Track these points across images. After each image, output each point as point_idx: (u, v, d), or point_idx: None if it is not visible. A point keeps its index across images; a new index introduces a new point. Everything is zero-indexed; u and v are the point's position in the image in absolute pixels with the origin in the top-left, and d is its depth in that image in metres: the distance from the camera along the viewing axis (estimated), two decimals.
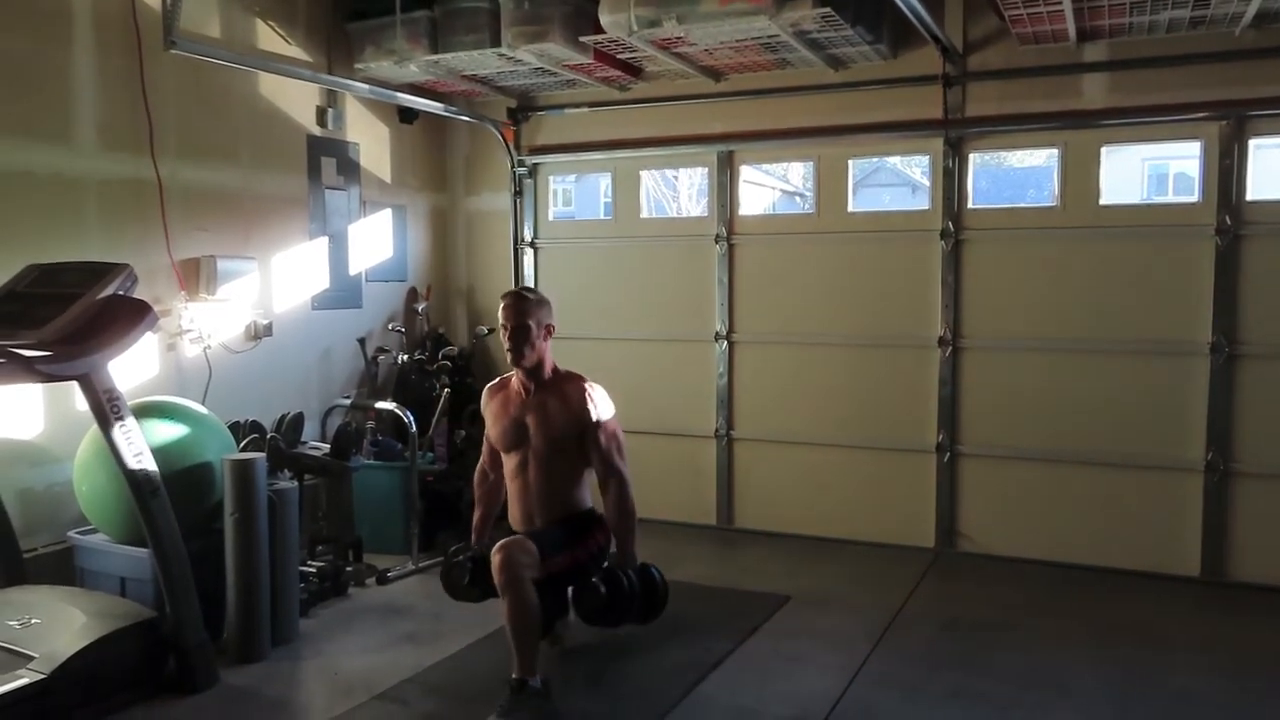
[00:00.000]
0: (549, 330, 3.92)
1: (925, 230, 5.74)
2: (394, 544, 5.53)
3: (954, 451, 5.75)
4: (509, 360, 3.89)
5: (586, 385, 3.97)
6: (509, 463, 4.04)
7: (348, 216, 6.14)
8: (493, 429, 4.06)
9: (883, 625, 4.60)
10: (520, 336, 3.83)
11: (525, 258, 6.82)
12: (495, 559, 3.64)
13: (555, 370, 4.01)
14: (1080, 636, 4.48)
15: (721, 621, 4.64)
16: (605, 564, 4.01)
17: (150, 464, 3.74)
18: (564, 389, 3.95)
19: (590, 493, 4.15)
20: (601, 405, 3.96)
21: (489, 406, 4.09)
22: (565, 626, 4.26)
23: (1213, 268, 5.13)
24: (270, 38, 5.53)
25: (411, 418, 5.41)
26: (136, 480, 3.69)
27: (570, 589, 3.99)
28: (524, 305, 3.88)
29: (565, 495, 4.01)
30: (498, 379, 4.18)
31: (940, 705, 3.79)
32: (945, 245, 5.66)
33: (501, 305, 3.91)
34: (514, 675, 3.56)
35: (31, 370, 3.52)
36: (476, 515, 4.23)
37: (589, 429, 3.90)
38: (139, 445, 3.71)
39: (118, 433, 3.65)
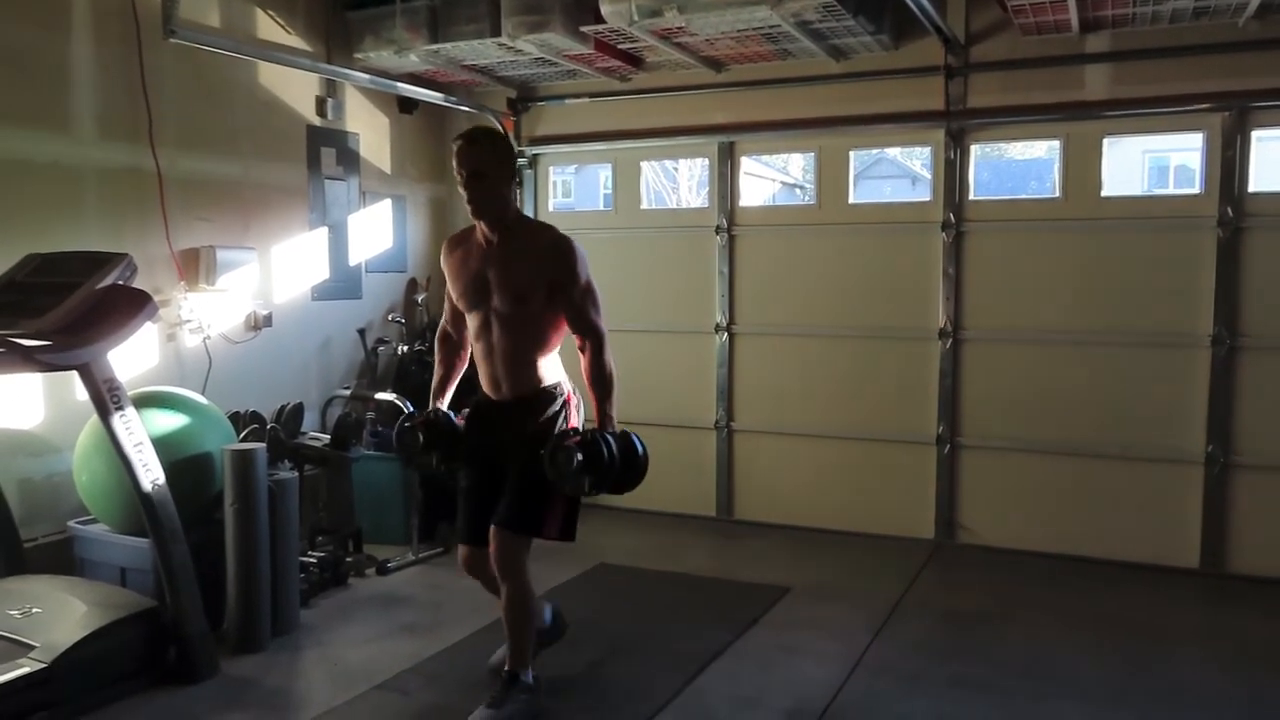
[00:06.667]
0: (511, 176, 3.53)
1: (926, 222, 5.73)
2: (394, 534, 5.54)
3: (954, 443, 5.74)
4: (469, 212, 3.46)
5: (558, 234, 3.53)
6: (472, 323, 3.59)
7: (347, 207, 6.12)
8: (453, 285, 3.62)
9: (883, 616, 4.61)
10: (477, 185, 3.36)
11: None
12: (492, 554, 3.46)
13: (521, 218, 3.63)
14: (1079, 627, 4.48)
15: (721, 612, 4.64)
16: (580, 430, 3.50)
17: (150, 454, 3.73)
18: (531, 238, 3.51)
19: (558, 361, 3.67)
20: (575, 258, 3.48)
21: (448, 261, 3.63)
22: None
23: (1214, 260, 5.12)
24: (270, 27, 5.51)
25: (412, 408, 5.40)
26: (136, 470, 3.69)
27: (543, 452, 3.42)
28: (478, 149, 3.39)
29: (532, 359, 3.53)
30: (459, 231, 3.72)
31: (940, 695, 3.80)
32: (946, 237, 5.66)
33: (455, 150, 3.40)
34: (506, 667, 3.53)
35: (31, 360, 3.51)
36: (435, 377, 3.79)
37: (559, 282, 3.45)
38: (139, 435, 3.71)
39: (118, 423, 3.64)
